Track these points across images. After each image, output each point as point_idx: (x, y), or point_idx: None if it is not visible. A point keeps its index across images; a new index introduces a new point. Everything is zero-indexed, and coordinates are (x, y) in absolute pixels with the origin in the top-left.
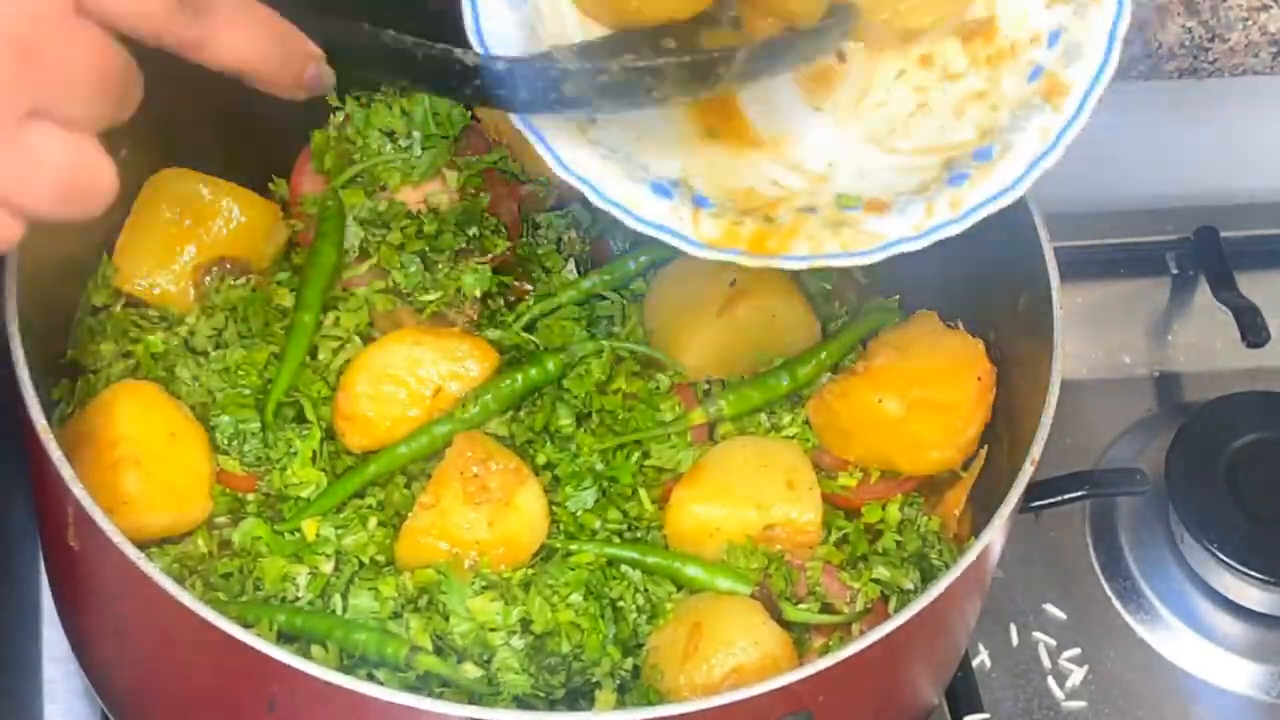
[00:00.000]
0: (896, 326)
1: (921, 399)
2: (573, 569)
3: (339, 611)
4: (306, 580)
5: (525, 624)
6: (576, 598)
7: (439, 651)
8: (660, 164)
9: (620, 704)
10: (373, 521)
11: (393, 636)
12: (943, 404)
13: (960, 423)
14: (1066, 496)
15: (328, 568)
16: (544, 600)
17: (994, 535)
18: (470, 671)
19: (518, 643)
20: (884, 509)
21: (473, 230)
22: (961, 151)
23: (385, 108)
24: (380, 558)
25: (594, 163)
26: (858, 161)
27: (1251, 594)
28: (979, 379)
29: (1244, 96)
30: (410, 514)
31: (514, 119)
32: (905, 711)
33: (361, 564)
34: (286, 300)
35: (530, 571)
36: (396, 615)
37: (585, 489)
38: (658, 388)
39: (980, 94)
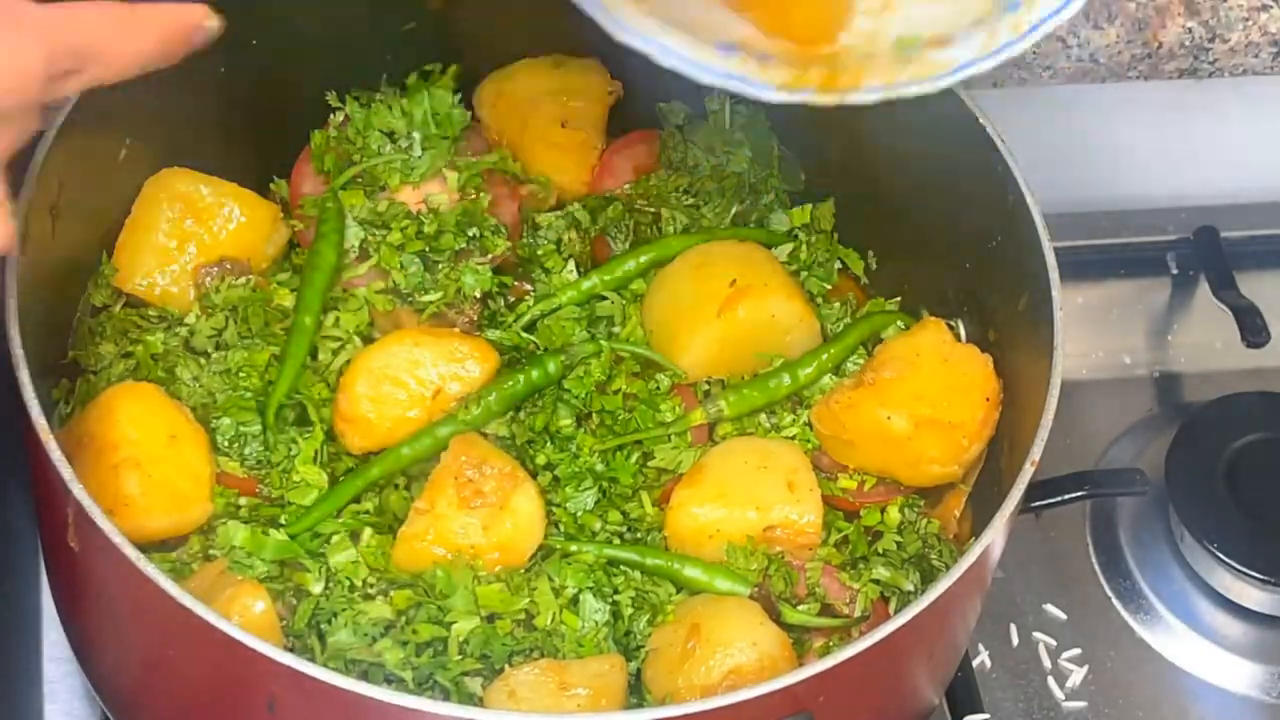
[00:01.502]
0: (904, 335)
1: (929, 418)
2: (572, 567)
3: (317, 652)
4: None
5: (529, 618)
6: (585, 596)
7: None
8: (721, 30)
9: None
10: (366, 533)
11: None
12: (950, 423)
13: (965, 440)
14: (1066, 496)
15: (317, 588)
16: (549, 587)
17: (994, 536)
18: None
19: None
20: (883, 512)
21: (473, 230)
22: None
23: (385, 108)
24: (371, 580)
25: (654, 28)
26: (907, 15)
27: (1251, 594)
28: (987, 399)
29: (1244, 96)
30: (406, 519)
31: None
32: (905, 712)
33: (352, 586)
34: (287, 300)
35: (528, 573)
36: (384, 634)
37: (585, 490)
38: (658, 388)
39: None
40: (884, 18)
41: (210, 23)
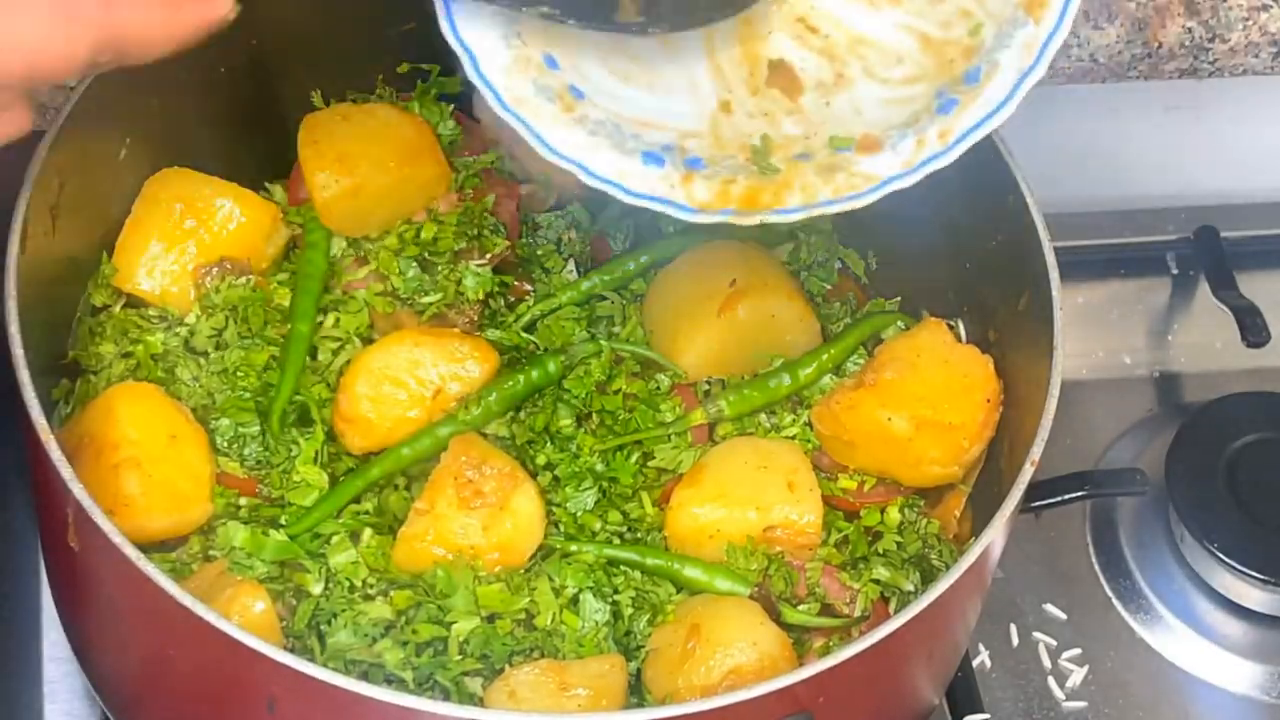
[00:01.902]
0: (904, 336)
1: (930, 419)
2: (572, 567)
3: (317, 653)
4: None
5: (529, 618)
6: (585, 596)
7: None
8: (651, 132)
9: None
10: (366, 533)
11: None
12: (950, 424)
13: (966, 441)
14: (1066, 496)
15: (317, 589)
16: (549, 587)
17: (994, 535)
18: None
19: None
20: (883, 512)
21: (472, 231)
22: (950, 77)
23: None
24: (371, 580)
25: (581, 140)
26: (852, 96)
27: (1251, 594)
28: (987, 400)
29: (1244, 96)
30: (406, 520)
31: (498, 108)
32: (905, 712)
33: (352, 586)
34: (287, 300)
35: (528, 573)
36: (384, 634)
37: (586, 490)
38: (658, 388)
39: (966, 12)
40: (834, 94)
41: (230, 12)
